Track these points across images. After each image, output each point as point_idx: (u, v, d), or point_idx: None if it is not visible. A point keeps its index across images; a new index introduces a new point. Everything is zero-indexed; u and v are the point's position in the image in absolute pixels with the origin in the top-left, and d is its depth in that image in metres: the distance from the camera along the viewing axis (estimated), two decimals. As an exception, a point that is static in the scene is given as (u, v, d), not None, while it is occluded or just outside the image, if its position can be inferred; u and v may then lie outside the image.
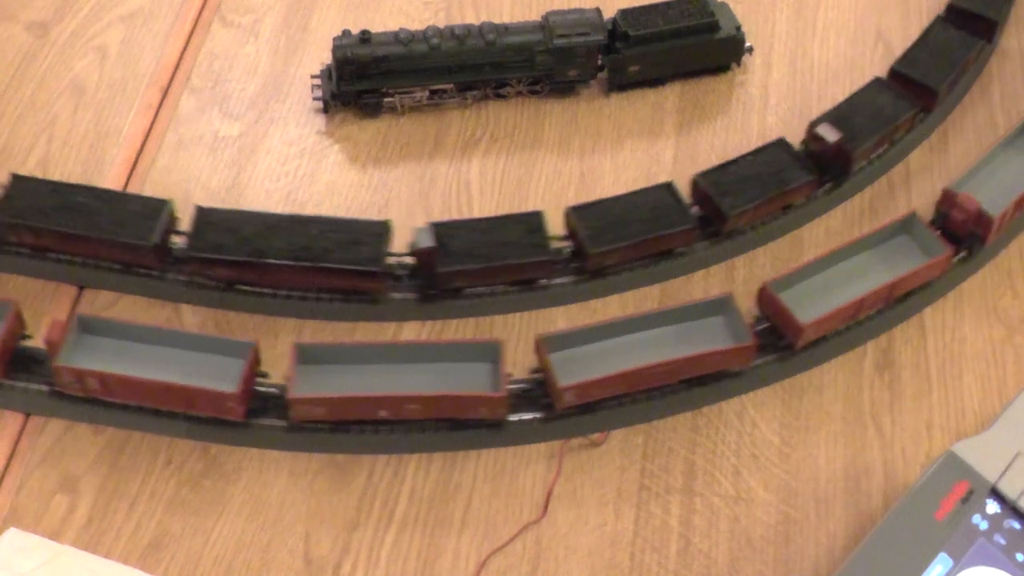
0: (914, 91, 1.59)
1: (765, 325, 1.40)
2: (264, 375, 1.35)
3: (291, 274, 1.42)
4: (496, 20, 1.64)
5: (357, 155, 1.62)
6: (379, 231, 1.43)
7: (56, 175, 1.57)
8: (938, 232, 1.45)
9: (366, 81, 1.62)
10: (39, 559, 1.25)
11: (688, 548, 1.29)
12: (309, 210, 1.55)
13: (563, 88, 1.68)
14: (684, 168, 1.60)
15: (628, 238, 1.45)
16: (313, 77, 1.67)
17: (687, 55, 1.67)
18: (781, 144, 1.54)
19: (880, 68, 1.68)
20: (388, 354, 1.36)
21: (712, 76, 1.71)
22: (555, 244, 1.45)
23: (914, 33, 1.73)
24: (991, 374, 1.43)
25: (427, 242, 1.42)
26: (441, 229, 1.43)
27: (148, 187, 1.58)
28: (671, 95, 1.70)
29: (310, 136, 1.64)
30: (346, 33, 1.62)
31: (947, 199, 1.46)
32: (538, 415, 1.35)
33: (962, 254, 1.48)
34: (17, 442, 1.35)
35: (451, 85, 1.64)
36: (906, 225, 1.46)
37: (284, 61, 1.72)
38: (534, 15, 1.69)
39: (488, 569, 1.28)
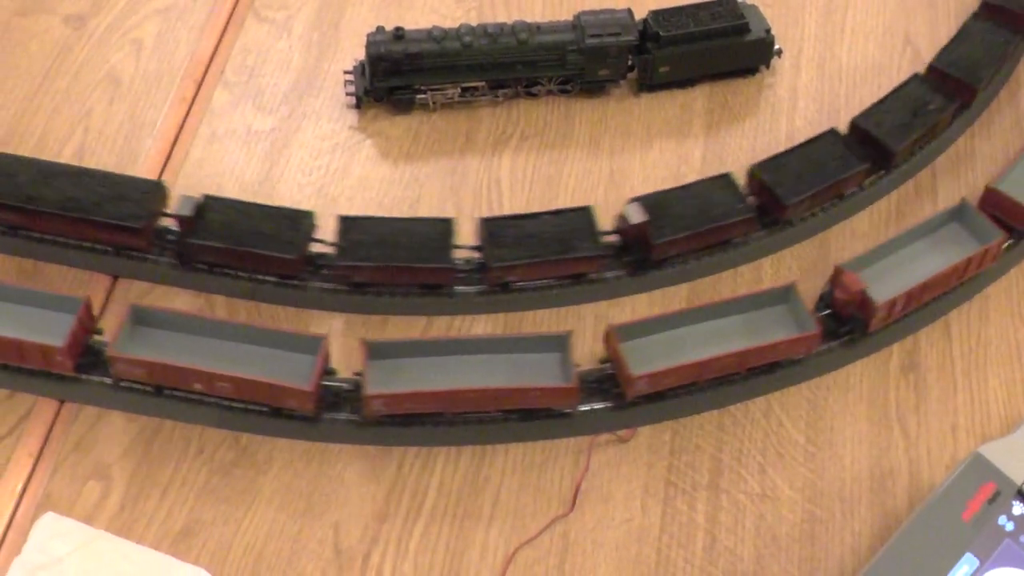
0: (953, 86, 1.61)
1: (827, 312, 1.41)
2: (333, 372, 1.37)
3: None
4: (528, 19, 1.65)
5: (389, 151, 1.63)
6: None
7: (91, 166, 1.57)
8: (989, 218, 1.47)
9: (399, 77, 1.63)
10: (74, 543, 1.26)
11: (714, 545, 1.30)
12: (342, 204, 1.57)
13: (593, 88, 1.69)
14: (712, 169, 1.60)
15: (689, 228, 1.46)
16: (346, 73, 1.68)
17: (717, 57, 1.68)
18: (832, 134, 1.55)
19: (908, 71, 1.69)
20: (453, 348, 1.37)
21: (741, 78, 1.72)
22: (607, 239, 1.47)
23: (942, 37, 1.75)
24: (1016, 377, 1.44)
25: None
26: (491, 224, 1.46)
27: (181, 180, 1.59)
28: (700, 96, 1.71)
29: (342, 131, 1.65)
30: (380, 30, 1.63)
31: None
32: (608, 404, 1.36)
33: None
34: (51, 428, 1.37)
35: (483, 83, 1.65)
36: (958, 213, 1.48)
37: (317, 56, 1.74)
38: (566, 15, 1.70)
39: (516, 562, 1.29)
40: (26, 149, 1.60)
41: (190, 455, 1.35)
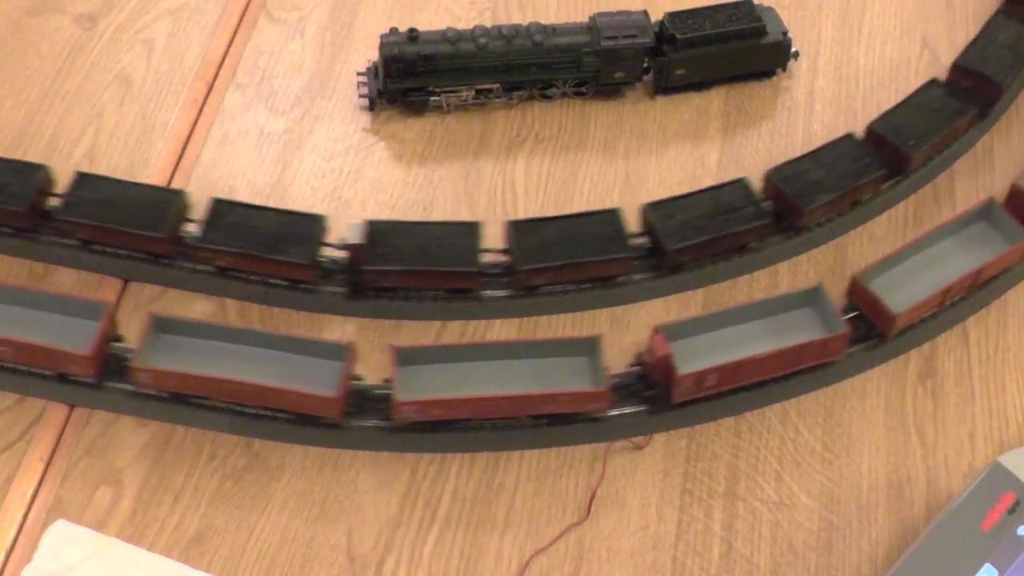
0: (977, 85, 1.60)
1: (854, 314, 1.40)
2: (359, 378, 1.36)
3: None
4: (543, 21, 1.64)
5: (402, 153, 1.62)
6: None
7: (102, 168, 1.57)
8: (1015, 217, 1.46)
9: (413, 79, 1.62)
10: (86, 551, 1.25)
11: (730, 553, 1.29)
12: (354, 207, 1.56)
13: (609, 90, 1.68)
14: (728, 172, 1.60)
15: (704, 234, 1.46)
16: (359, 74, 1.67)
17: (733, 59, 1.67)
18: (849, 139, 1.54)
19: (925, 75, 1.68)
20: (480, 353, 1.36)
21: (757, 81, 1.71)
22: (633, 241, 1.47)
23: (959, 40, 1.74)
24: (1035, 385, 1.43)
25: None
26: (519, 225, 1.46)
27: (193, 182, 1.58)
28: (716, 99, 1.70)
29: (355, 133, 1.64)
30: (393, 31, 1.62)
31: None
32: (641, 408, 1.36)
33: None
34: (62, 433, 1.36)
35: (497, 85, 1.64)
36: (984, 212, 1.47)
37: (330, 58, 1.73)
38: (581, 16, 1.68)
39: (531, 570, 1.28)
40: (37, 150, 1.60)
41: (202, 461, 1.34)
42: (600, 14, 1.65)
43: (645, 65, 1.67)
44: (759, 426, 1.38)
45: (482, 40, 1.61)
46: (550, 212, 1.54)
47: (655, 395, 1.36)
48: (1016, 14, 1.66)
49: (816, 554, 1.29)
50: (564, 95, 1.68)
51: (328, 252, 1.46)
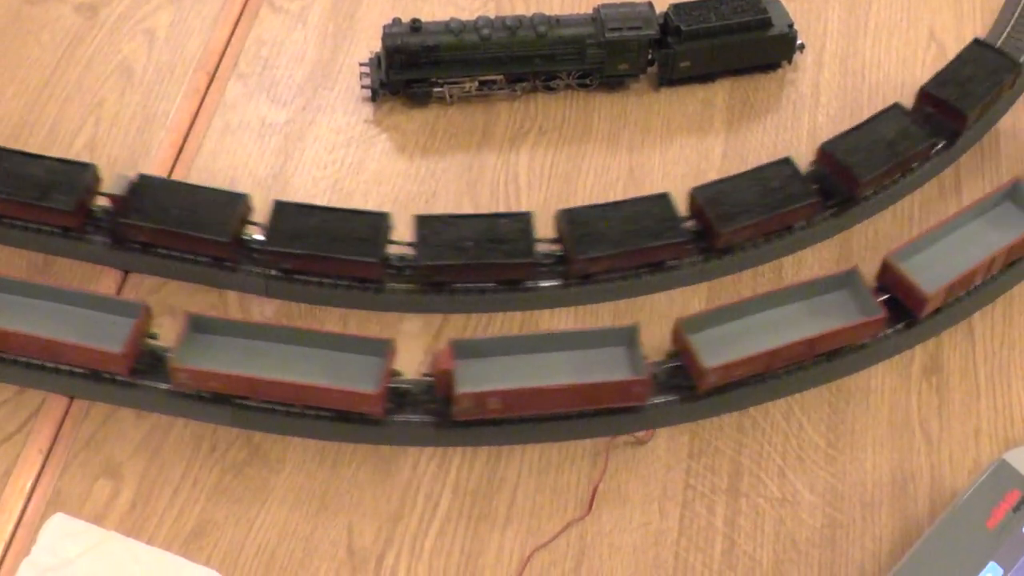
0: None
1: (886, 297, 1.40)
2: (398, 373, 1.35)
3: None
4: (547, 12, 1.63)
5: (405, 145, 1.61)
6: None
7: (103, 158, 1.57)
8: None
9: (416, 70, 1.61)
10: (84, 544, 1.25)
11: (732, 549, 1.28)
12: (356, 199, 1.55)
13: (613, 82, 1.67)
14: (733, 166, 1.59)
15: (754, 216, 1.46)
16: (362, 65, 1.66)
17: (739, 52, 1.66)
18: (896, 109, 1.55)
19: (933, 68, 1.67)
20: (532, 345, 1.36)
21: (763, 73, 1.70)
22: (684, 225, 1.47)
23: (967, 32, 1.73)
24: (1041, 382, 1.42)
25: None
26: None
27: (194, 173, 1.57)
28: (721, 91, 1.68)
29: (358, 124, 1.63)
30: (396, 21, 1.61)
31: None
32: (676, 397, 1.36)
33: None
34: (61, 426, 1.35)
35: (501, 76, 1.63)
36: (1011, 193, 1.47)
37: (332, 48, 1.72)
38: (585, 8, 1.67)
39: (532, 565, 1.27)
40: (37, 140, 1.59)
41: (202, 454, 1.33)
42: (604, 5, 1.64)
43: (649, 57, 1.66)
44: (763, 422, 1.37)
45: (486, 31, 1.60)
46: (553, 205, 1.53)
47: (686, 385, 1.36)
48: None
49: (819, 551, 1.29)
50: (568, 87, 1.67)
51: (396, 249, 1.45)
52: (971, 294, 1.44)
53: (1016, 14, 1.72)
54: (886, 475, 1.34)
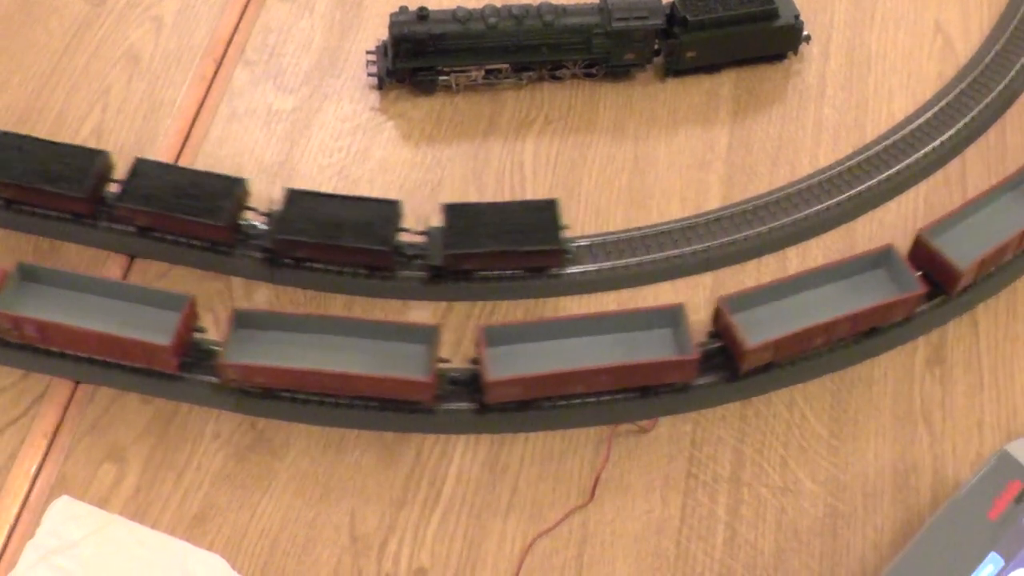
0: None
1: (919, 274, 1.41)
2: (446, 360, 1.36)
3: None
4: (553, 1, 1.63)
5: (411, 133, 1.61)
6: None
7: (110, 145, 1.57)
8: None
9: (422, 59, 1.61)
10: (88, 528, 1.25)
11: (734, 538, 1.29)
12: (362, 186, 1.55)
13: (619, 72, 1.67)
14: (738, 156, 1.59)
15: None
16: (368, 53, 1.66)
17: (745, 42, 1.66)
18: None
19: (939, 60, 1.68)
20: (568, 329, 1.36)
21: (769, 64, 1.70)
22: None
23: (973, 25, 1.73)
24: (1044, 373, 1.42)
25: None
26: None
27: (200, 159, 1.58)
28: (727, 82, 1.68)
29: (364, 112, 1.64)
30: (403, 10, 1.61)
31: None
32: (718, 377, 1.37)
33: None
34: (66, 410, 1.36)
35: (507, 65, 1.63)
36: None
37: (339, 36, 1.72)
38: (592, -3, 1.68)
39: (534, 552, 1.27)
40: (44, 127, 1.59)
41: (206, 439, 1.34)
42: (611, -5, 1.64)
43: (656, 47, 1.66)
44: (765, 411, 1.38)
45: (492, 20, 1.60)
46: (558, 193, 1.54)
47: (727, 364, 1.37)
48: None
49: (820, 540, 1.29)
50: (574, 76, 1.67)
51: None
52: (1006, 267, 1.46)
53: (1023, 6, 1.72)
54: (888, 465, 1.34)
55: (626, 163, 1.59)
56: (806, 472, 1.33)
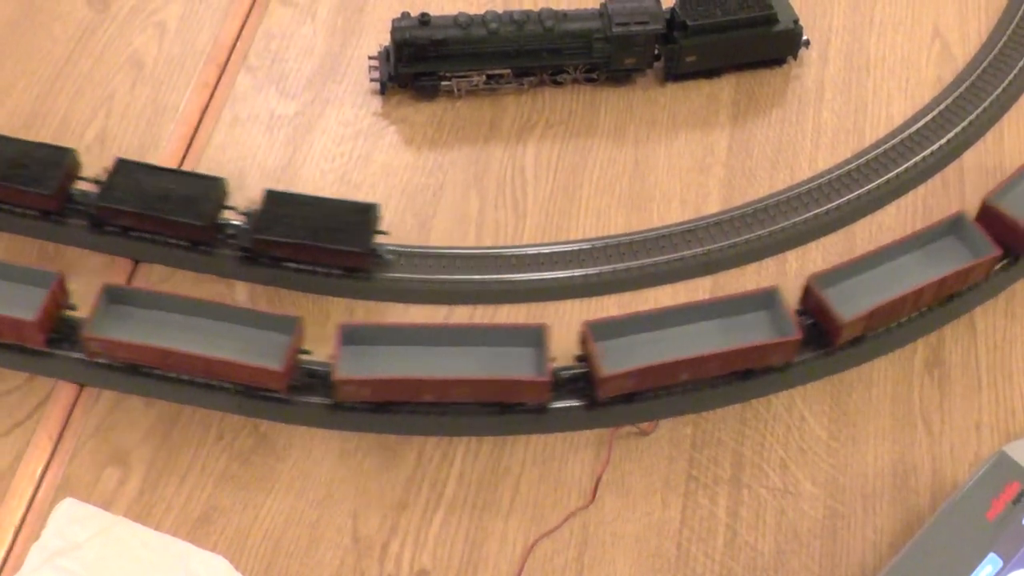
0: None
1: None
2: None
3: None
4: (555, 6, 1.64)
5: (413, 137, 1.62)
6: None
7: (113, 150, 1.58)
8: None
9: (424, 64, 1.62)
10: (93, 529, 1.26)
11: (735, 540, 1.29)
12: (364, 191, 1.56)
13: (619, 76, 1.68)
14: (738, 160, 1.60)
15: None
16: (370, 58, 1.67)
17: (744, 47, 1.67)
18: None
19: (937, 65, 1.68)
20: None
21: (768, 68, 1.71)
22: None
23: (971, 30, 1.74)
24: (1042, 375, 1.43)
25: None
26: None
27: (203, 164, 1.58)
28: (726, 86, 1.69)
29: (366, 117, 1.64)
30: (405, 15, 1.62)
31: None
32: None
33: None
34: (70, 413, 1.37)
35: (508, 70, 1.64)
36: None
37: (341, 42, 1.73)
38: (593, 2, 1.68)
39: (535, 554, 1.28)
40: (48, 132, 1.60)
41: (209, 441, 1.35)
42: (612, 0, 1.64)
43: (656, 52, 1.66)
44: (765, 413, 1.38)
45: (493, 25, 1.60)
46: (559, 198, 1.55)
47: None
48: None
49: (820, 542, 1.30)
50: (575, 81, 1.68)
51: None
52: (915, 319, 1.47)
53: (1021, 11, 1.73)
54: (887, 467, 1.35)
55: (626, 167, 1.60)
56: (806, 474, 1.34)
